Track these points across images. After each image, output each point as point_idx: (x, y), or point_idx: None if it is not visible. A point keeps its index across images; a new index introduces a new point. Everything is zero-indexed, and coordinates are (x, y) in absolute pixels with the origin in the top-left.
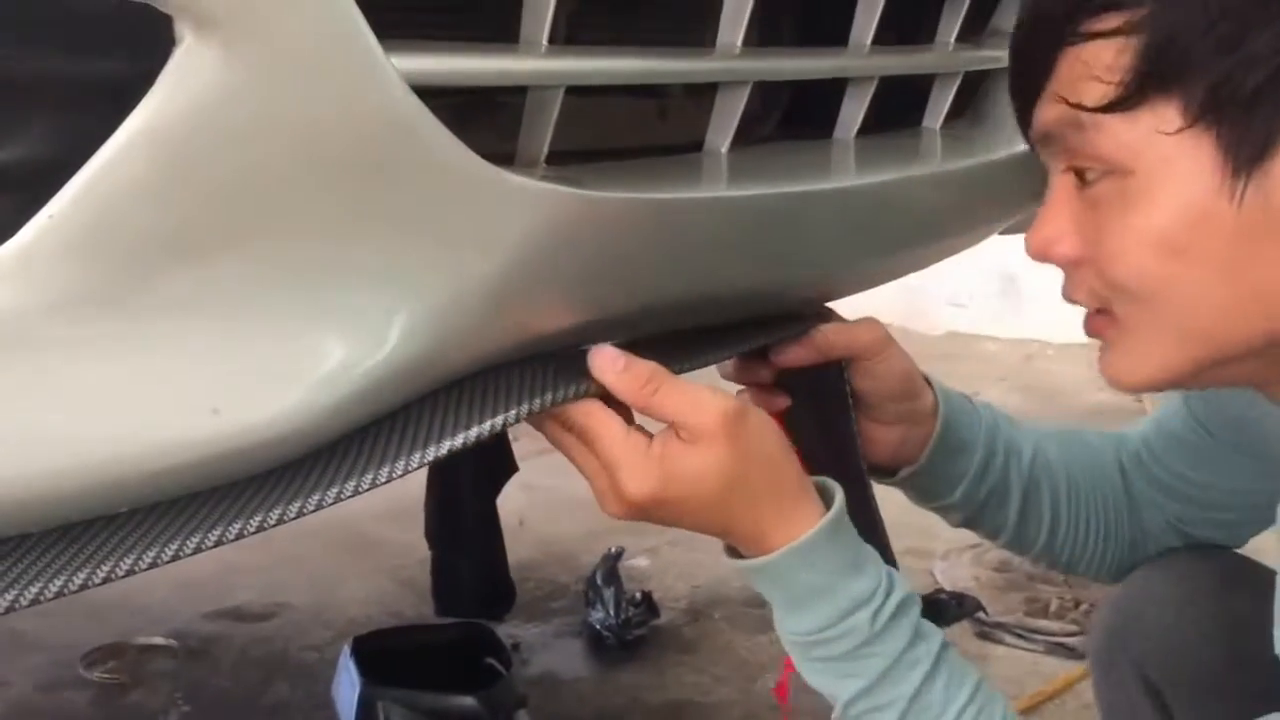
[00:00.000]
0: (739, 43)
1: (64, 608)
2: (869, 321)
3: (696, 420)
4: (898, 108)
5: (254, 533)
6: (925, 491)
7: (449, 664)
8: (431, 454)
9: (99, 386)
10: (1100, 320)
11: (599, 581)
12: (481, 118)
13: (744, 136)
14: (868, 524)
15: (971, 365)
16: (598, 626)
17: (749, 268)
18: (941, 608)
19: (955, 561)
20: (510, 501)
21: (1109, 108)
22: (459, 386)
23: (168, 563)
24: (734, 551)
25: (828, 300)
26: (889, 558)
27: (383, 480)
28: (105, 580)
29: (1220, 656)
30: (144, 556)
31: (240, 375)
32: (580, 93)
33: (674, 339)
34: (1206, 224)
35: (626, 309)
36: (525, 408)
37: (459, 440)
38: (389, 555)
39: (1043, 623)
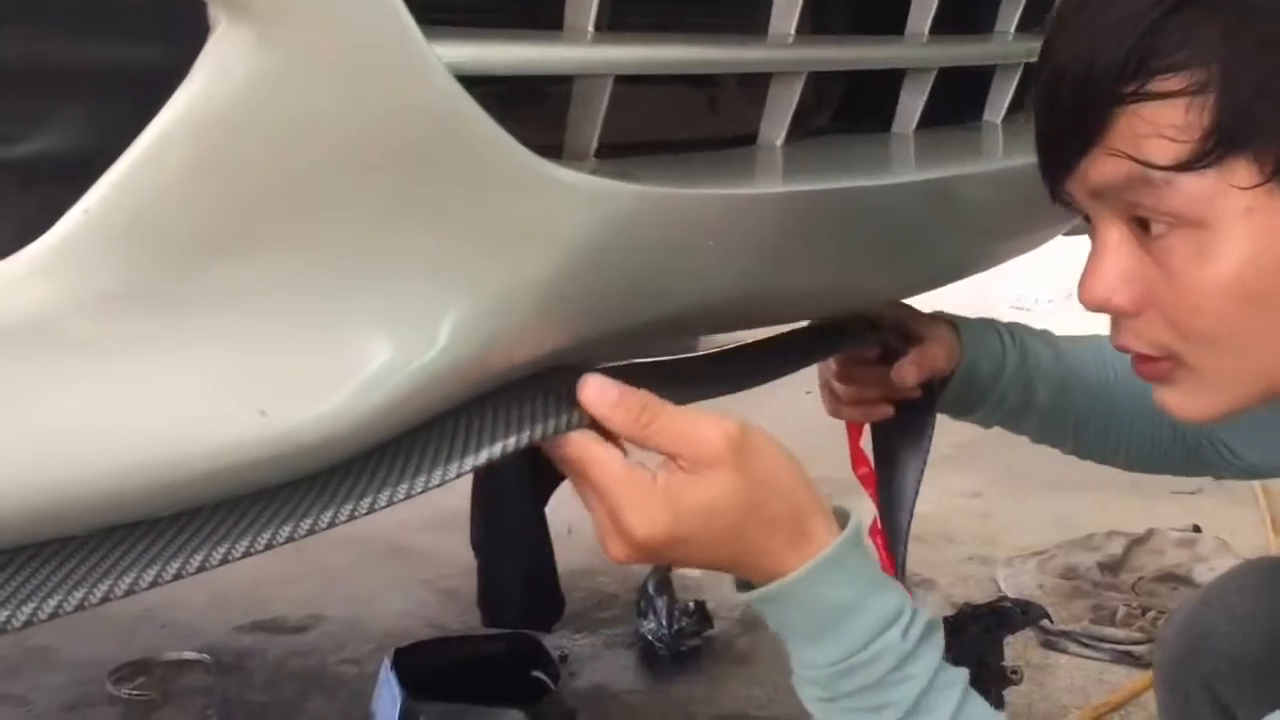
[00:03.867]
0: (792, 31)
1: (90, 623)
2: (941, 332)
3: (699, 450)
4: (958, 101)
5: (284, 542)
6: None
7: (495, 677)
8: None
9: (139, 386)
10: (1159, 365)
11: (651, 591)
12: (528, 109)
13: (798, 129)
14: (898, 554)
15: None
16: (649, 637)
17: (804, 266)
18: (1006, 616)
19: (1019, 568)
20: (560, 509)
21: (1183, 167)
22: (446, 416)
23: (215, 567)
24: (745, 584)
25: (884, 301)
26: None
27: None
28: (152, 584)
29: None
30: (191, 560)
31: (288, 374)
32: (629, 82)
33: (682, 368)
34: None
35: (681, 308)
36: (511, 441)
37: (434, 476)
38: (429, 566)
39: (1109, 630)
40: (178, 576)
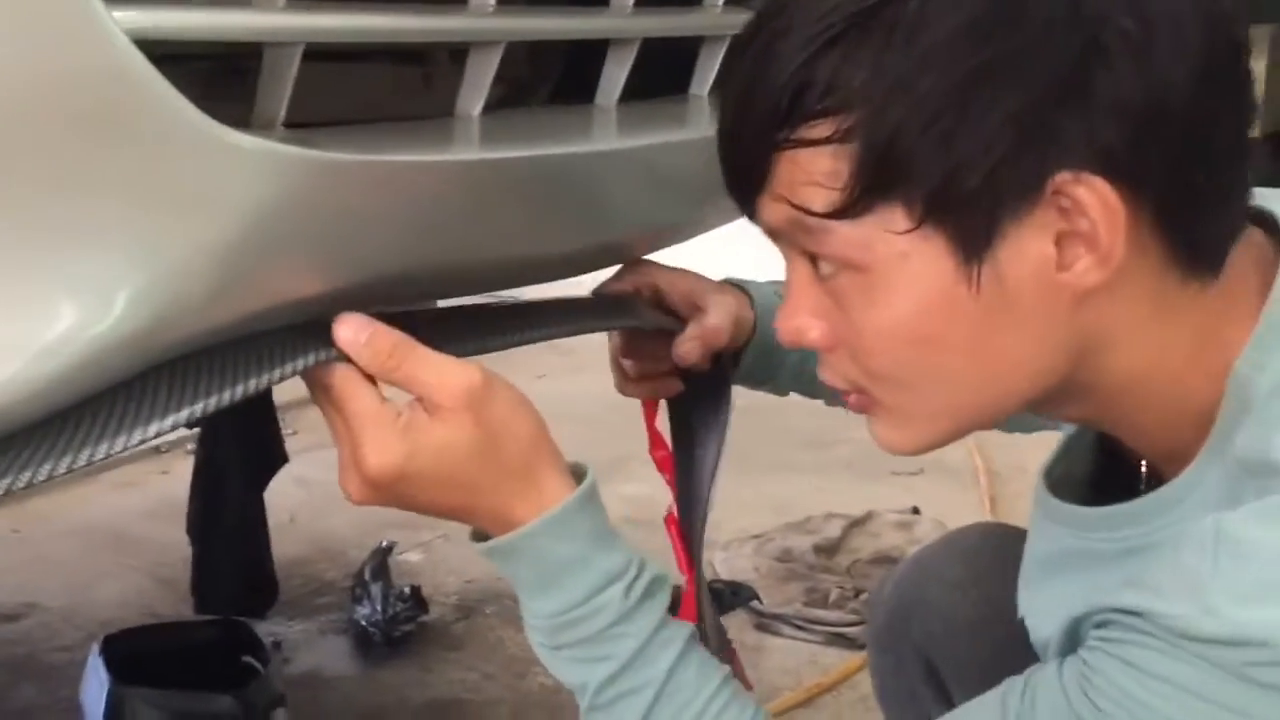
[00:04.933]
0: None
1: None
2: (726, 301)
3: (439, 393)
4: (666, 73)
5: None
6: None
7: (205, 663)
8: (162, 427)
9: None
10: (859, 400)
11: (367, 577)
12: (227, 81)
13: (511, 104)
14: (694, 538)
15: None
16: (363, 623)
17: (498, 234)
18: (717, 597)
19: (736, 552)
20: (283, 498)
21: (835, 215)
22: (208, 354)
23: None
24: (480, 536)
25: (588, 270)
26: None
27: (100, 457)
28: None
29: (1002, 639)
30: None
31: None
32: (333, 59)
33: (476, 318)
34: (950, 311)
35: (371, 278)
36: (270, 374)
37: (198, 408)
38: (150, 554)
39: (821, 613)
40: None
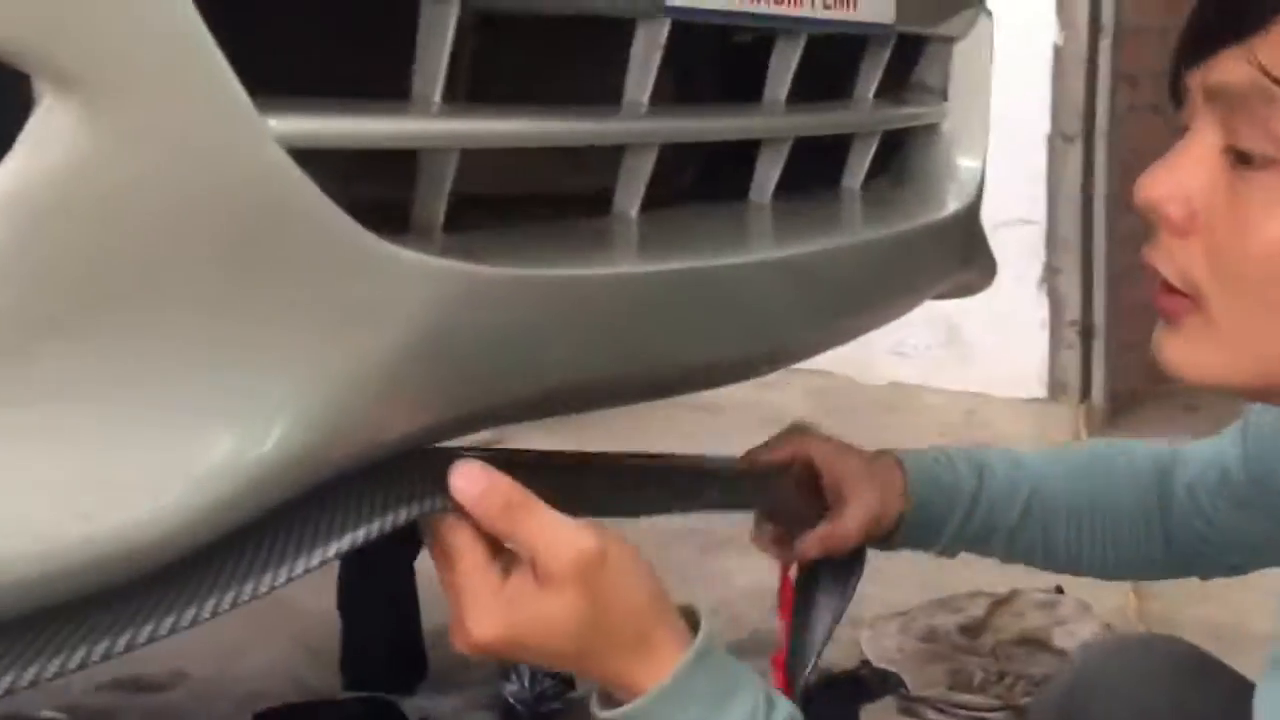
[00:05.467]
0: (645, 100)
1: None
2: (868, 492)
3: (551, 561)
4: (816, 164)
5: (123, 652)
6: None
7: None
8: (293, 571)
9: None
10: (1179, 302)
11: None
12: (374, 179)
13: (656, 194)
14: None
15: (912, 417)
16: (511, 700)
17: (664, 344)
18: (864, 686)
19: (881, 630)
20: (431, 564)
21: None
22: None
23: (25, 688)
24: (606, 698)
25: (747, 377)
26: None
27: (280, 582)
28: None
29: None
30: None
31: (112, 472)
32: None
33: (605, 474)
34: None
35: (535, 391)
36: (377, 525)
37: (326, 552)
38: (300, 622)
39: (966, 697)
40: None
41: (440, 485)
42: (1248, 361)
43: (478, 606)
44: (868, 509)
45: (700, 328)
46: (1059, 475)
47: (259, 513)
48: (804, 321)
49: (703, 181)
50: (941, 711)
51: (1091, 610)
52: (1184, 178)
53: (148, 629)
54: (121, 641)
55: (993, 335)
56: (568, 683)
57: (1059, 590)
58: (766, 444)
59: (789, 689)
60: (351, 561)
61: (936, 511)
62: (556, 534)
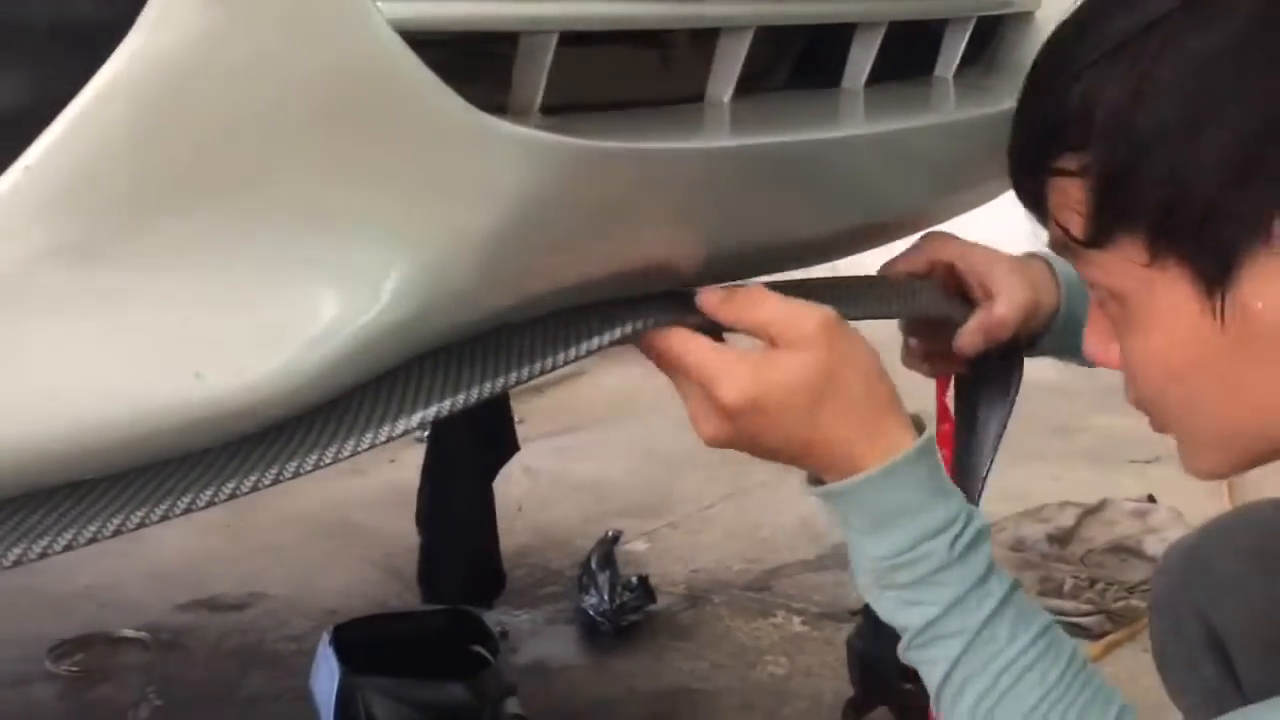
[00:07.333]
0: None
1: (28, 600)
2: (1018, 285)
3: (793, 329)
4: (910, 56)
5: (227, 499)
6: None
7: (434, 652)
8: (469, 396)
9: (78, 344)
10: (1152, 421)
11: (594, 566)
12: (478, 69)
13: (750, 88)
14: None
15: None
16: (591, 613)
17: (753, 220)
18: None
19: None
20: (511, 486)
21: (1087, 243)
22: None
23: (135, 529)
24: (814, 479)
25: (839, 256)
26: None
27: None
28: (68, 547)
29: None
30: (109, 523)
31: (226, 334)
32: (579, 42)
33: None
34: (1198, 345)
35: (629, 265)
36: (591, 342)
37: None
38: (376, 543)
39: (1056, 602)
40: (94, 540)
41: (634, 312)
42: (1217, 451)
43: (729, 373)
44: (1022, 295)
45: (793, 203)
46: None
47: (366, 376)
48: (893, 199)
49: (795, 79)
50: None
51: (1184, 517)
52: (1096, 329)
53: (252, 479)
54: (227, 488)
55: None
56: (649, 594)
57: (1151, 499)
58: (907, 251)
59: None
60: (432, 479)
61: (1082, 311)
62: (797, 307)
